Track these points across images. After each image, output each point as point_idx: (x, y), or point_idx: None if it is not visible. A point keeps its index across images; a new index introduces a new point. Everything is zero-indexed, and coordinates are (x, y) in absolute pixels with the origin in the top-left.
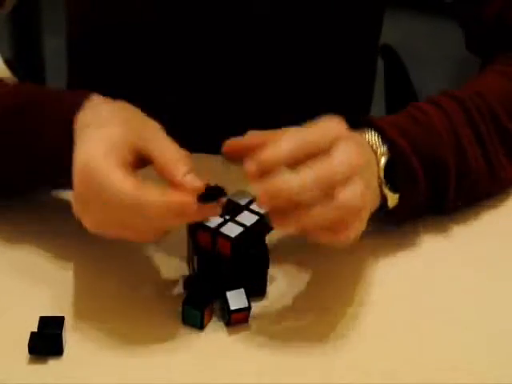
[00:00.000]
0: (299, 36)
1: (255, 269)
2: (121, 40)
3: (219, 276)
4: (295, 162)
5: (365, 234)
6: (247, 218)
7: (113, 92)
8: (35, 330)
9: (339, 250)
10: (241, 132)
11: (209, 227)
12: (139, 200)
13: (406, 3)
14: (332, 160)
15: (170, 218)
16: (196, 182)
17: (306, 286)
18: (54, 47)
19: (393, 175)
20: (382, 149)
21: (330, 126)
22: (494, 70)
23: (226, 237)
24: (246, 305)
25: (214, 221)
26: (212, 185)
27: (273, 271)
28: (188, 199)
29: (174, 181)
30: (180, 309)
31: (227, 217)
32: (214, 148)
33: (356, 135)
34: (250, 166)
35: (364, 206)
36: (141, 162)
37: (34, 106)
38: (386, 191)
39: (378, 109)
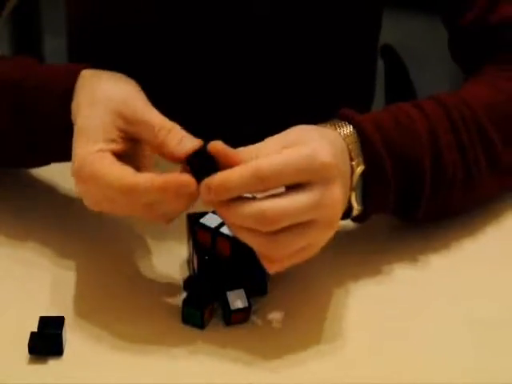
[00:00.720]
0: (299, 36)
1: (255, 268)
2: (121, 40)
3: (219, 276)
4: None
5: (365, 234)
6: None
7: None
8: (35, 329)
9: (339, 250)
10: (241, 131)
11: (209, 227)
12: (137, 186)
13: (405, 3)
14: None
15: (171, 199)
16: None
17: (306, 286)
18: (54, 47)
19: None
20: (361, 166)
21: (298, 156)
22: (483, 80)
23: (226, 237)
24: (246, 305)
25: (214, 221)
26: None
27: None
28: (185, 177)
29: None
30: (180, 309)
31: None
32: None
33: (336, 147)
34: (205, 194)
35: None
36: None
37: (31, 82)
38: (354, 202)
39: (378, 109)
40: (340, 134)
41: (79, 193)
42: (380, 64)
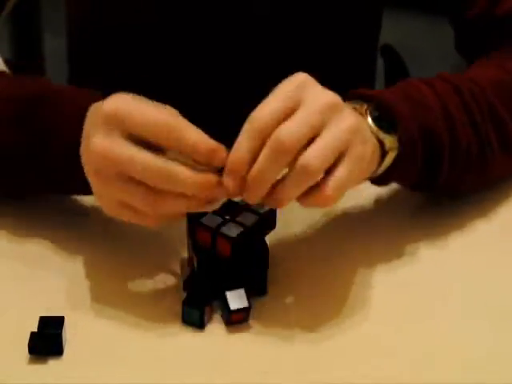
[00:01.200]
0: (299, 35)
1: (255, 268)
2: (121, 40)
3: (219, 276)
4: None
5: (361, 233)
6: (247, 218)
7: (113, 91)
8: (35, 329)
9: (338, 250)
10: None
11: (209, 227)
12: (169, 167)
13: (405, 3)
14: (291, 120)
15: (197, 188)
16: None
17: (306, 286)
18: (54, 47)
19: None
20: (366, 105)
21: (292, 80)
22: (488, 63)
23: (226, 237)
24: (246, 305)
25: (214, 221)
26: None
27: (273, 270)
28: (215, 178)
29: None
30: (180, 308)
31: (227, 217)
32: None
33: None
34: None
35: (346, 147)
36: None
37: (47, 100)
38: (382, 135)
39: None
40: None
41: (95, 191)
42: (380, 64)
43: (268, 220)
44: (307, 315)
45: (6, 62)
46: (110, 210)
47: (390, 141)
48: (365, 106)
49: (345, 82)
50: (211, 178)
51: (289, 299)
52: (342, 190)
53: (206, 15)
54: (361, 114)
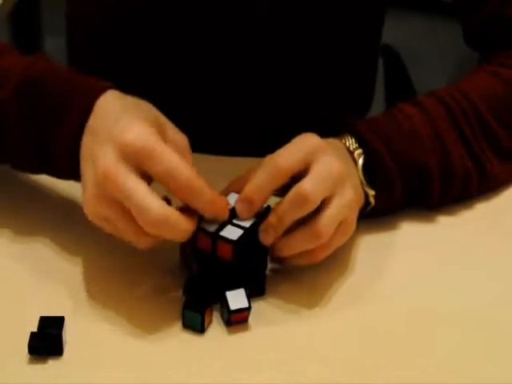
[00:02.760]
0: (300, 35)
1: (254, 268)
2: (121, 39)
3: (219, 279)
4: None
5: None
6: (245, 220)
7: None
8: (35, 329)
9: (337, 250)
10: (241, 131)
11: (208, 231)
12: (167, 218)
13: (405, 3)
14: (312, 178)
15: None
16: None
17: (306, 286)
18: (54, 47)
19: (371, 175)
20: (359, 150)
21: (303, 145)
22: (486, 70)
23: (227, 240)
24: (246, 305)
25: (213, 225)
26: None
27: (272, 271)
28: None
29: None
30: (180, 309)
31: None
32: (215, 148)
33: (332, 142)
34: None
35: (350, 218)
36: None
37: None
38: (367, 189)
39: (378, 109)
40: (347, 146)
41: (87, 206)
42: (380, 64)
43: (265, 219)
44: (306, 315)
45: None
46: (94, 218)
47: (371, 193)
48: (358, 152)
49: (345, 80)
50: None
51: (288, 299)
52: (329, 251)
53: (206, 14)
54: (354, 158)
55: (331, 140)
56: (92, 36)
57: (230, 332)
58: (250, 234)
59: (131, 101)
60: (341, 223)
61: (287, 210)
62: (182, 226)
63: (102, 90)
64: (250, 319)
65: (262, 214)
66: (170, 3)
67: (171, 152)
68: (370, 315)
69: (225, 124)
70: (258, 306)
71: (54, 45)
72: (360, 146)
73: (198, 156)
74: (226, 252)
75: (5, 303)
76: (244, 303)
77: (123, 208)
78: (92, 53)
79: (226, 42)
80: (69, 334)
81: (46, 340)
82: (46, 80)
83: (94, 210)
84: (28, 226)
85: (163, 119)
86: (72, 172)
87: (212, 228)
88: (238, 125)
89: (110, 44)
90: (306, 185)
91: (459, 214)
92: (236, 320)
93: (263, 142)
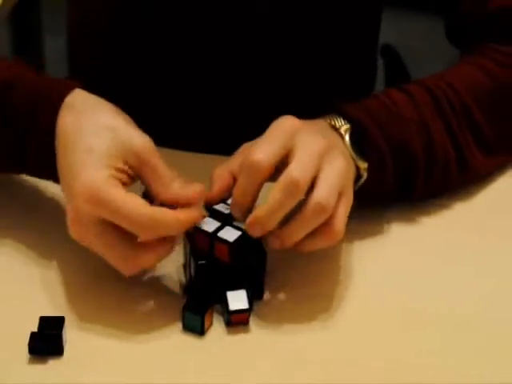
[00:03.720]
0: (299, 34)
1: (253, 272)
2: (121, 38)
3: (218, 280)
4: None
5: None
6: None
7: (113, 91)
8: (35, 329)
9: (337, 250)
10: (241, 131)
11: (206, 232)
12: (156, 219)
13: (405, 3)
14: (297, 162)
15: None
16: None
17: (306, 287)
18: (54, 47)
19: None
20: (346, 125)
21: (280, 130)
22: (469, 62)
23: (224, 241)
24: (246, 306)
25: (211, 225)
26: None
27: (272, 272)
28: (198, 213)
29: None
30: (180, 310)
31: (225, 221)
32: (214, 148)
33: (313, 122)
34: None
35: (343, 188)
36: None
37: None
38: (359, 162)
39: None
40: (332, 125)
41: (74, 215)
42: (380, 64)
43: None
44: (307, 317)
45: None
46: (78, 237)
47: (363, 166)
48: (344, 127)
49: (345, 78)
50: (196, 214)
51: (288, 300)
52: (345, 224)
53: (206, 13)
54: (339, 133)
55: (313, 120)
56: (91, 38)
57: (230, 334)
58: (248, 236)
59: (91, 109)
60: (341, 194)
61: (281, 201)
62: (168, 217)
63: (66, 93)
64: (250, 321)
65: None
66: (170, 2)
67: (118, 200)
68: (370, 316)
69: (225, 123)
70: (258, 307)
71: (54, 45)
72: (348, 123)
73: (198, 155)
74: (223, 253)
75: (5, 303)
76: (244, 304)
77: (111, 231)
78: (91, 54)
79: (226, 40)
80: (69, 334)
81: (46, 340)
82: (14, 87)
83: (79, 230)
84: (28, 226)
85: (120, 123)
86: (50, 175)
87: (210, 228)
88: (237, 124)
89: (110, 44)
90: (294, 172)
91: (450, 214)
92: (236, 321)
93: None
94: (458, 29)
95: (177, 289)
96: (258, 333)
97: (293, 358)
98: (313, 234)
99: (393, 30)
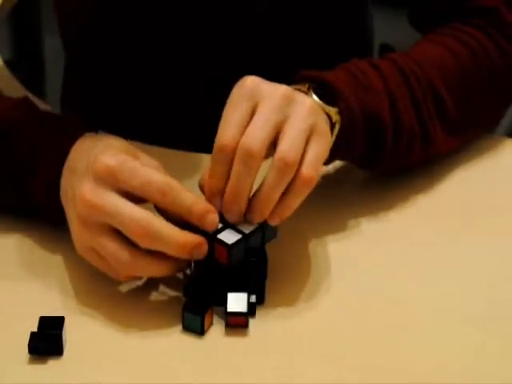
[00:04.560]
0: (299, 33)
1: (254, 277)
2: (121, 41)
3: (218, 282)
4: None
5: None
6: (247, 226)
7: (110, 92)
8: (35, 329)
9: (338, 251)
10: None
11: (206, 233)
12: (160, 231)
13: (406, 3)
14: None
15: (184, 252)
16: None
17: (306, 289)
18: (54, 47)
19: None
20: (310, 85)
21: (241, 86)
22: (433, 41)
23: (223, 243)
24: (245, 310)
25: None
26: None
27: (273, 273)
28: (202, 240)
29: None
30: (181, 307)
31: (227, 223)
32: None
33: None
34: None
35: (309, 127)
36: None
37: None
38: (327, 108)
39: None
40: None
41: (79, 222)
42: None
43: (268, 229)
44: (306, 317)
45: (6, 62)
46: (81, 251)
47: (334, 113)
48: (307, 85)
49: None
50: (196, 238)
51: (289, 302)
52: (317, 167)
53: (205, 13)
54: (304, 92)
55: None
56: (84, 38)
57: (230, 334)
58: (248, 240)
59: (104, 139)
60: (310, 134)
61: (275, 182)
62: (166, 232)
63: (75, 137)
64: (250, 321)
65: (266, 224)
66: (169, 2)
67: (143, 166)
68: (371, 318)
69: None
70: (258, 308)
71: (54, 45)
72: (312, 83)
73: (198, 155)
74: (221, 255)
75: (5, 303)
76: (243, 308)
77: (112, 236)
78: (85, 56)
79: (225, 40)
80: (69, 334)
81: (46, 340)
82: (17, 131)
83: (81, 243)
84: (28, 226)
85: (135, 149)
86: (57, 219)
87: (211, 230)
88: None
89: (110, 45)
90: (285, 146)
91: (442, 208)
92: (234, 323)
93: None
94: (421, 15)
95: (177, 289)
96: (258, 333)
97: (293, 358)
98: (285, 190)
99: (392, 30)
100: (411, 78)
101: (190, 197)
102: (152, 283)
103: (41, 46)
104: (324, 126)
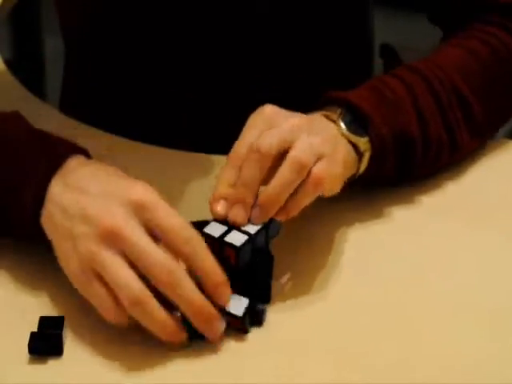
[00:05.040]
0: (299, 33)
1: (260, 276)
2: (121, 41)
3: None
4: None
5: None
6: (251, 226)
7: (110, 92)
8: (35, 329)
9: (343, 252)
10: (239, 130)
11: (213, 236)
12: (182, 280)
13: (406, 3)
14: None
15: (196, 318)
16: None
17: (307, 289)
18: (54, 47)
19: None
20: (338, 110)
21: (261, 112)
22: (453, 44)
23: (231, 246)
24: (239, 314)
25: (218, 229)
26: None
27: (276, 273)
28: (214, 311)
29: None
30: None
31: (230, 225)
32: (214, 148)
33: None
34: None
35: (321, 152)
36: None
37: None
38: (354, 139)
39: None
40: (326, 115)
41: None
42: (380, 64)
43: (271, 226)
44: (306, 317)
45: (6, 62)
46: (75, 271)
47: (363, 143)
48: (338, 112)
49: (343, 79)
50: (212, 310)
51: (290, 303)
52: (328, 172)
53: (205, 13)
54: (333, 120)
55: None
56: (84, 38)
57: (230, 334)
58: (255, 240)
59: (96, 165)
60: (320, 157)
61: (287, 180)
62: (187, 287)
63: (66, 157)
64: (252, 331)
65: (270, 222)
66: (169, 1)
67: (173, 210)
68: (373, 318)
69: (223, 123)
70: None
71: (54, 45)
72: (339, 108)
73: (197, 155)
74: (230, 258)
75: (5, 303)
76: (238, 311)
77: (123, 262)
78: (88, 53)
79: (225, 40)
80: (69, 334)
81: (46, 340)
82: (7, 143)
83: (80, 263)
84: None
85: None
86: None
87: (217, 233)
88: (236, 123)
89: (110, 46)
90: (296, 151)
91: (451, 204)
92: (232, 324)
93: None
94: (441, 12)
95: None
96: (258, 333)
97: (293, 358)
98: (295, 190)
99: (393, 30)
100: (435, 84)
101: (211, 261)
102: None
103: (41, 46)
104: (339, 156)
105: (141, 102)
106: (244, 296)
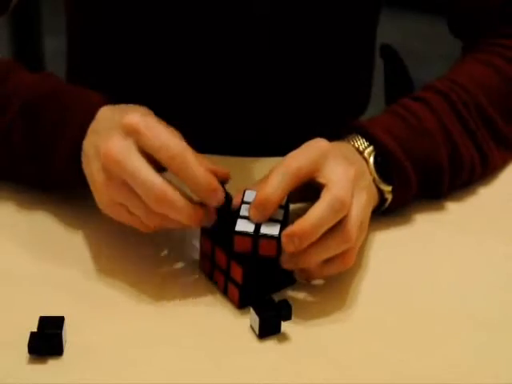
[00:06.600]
0: (299, 35)
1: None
2: (121, 42)
3: (267, 276)
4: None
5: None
6: (276, 213)
7: (111, 92)
8: (35, 329)
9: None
10: (241, 132)
11: (247, 233)
12: (168, 192)
13: (406, 3)
14: (336, 183)
15: (192, 221)
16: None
17: (308, 289)
18: (54, 47)
19: (384, 173)
20: (369, 148)
21: (313, 147)
22: (474, 58)
23: (270, 237)
24: (276, 233)
25: (248, 225)
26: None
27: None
28: (212, 214)
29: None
30: (181, 308)
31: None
32: (215, 148)
33: (340, 146)
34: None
35: (366, 218)
36: None
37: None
38: (382, 186)
39: (377, 108)
40: (357, 147)
41: (103, 176)
42: (380, 64)
43: (286, 203)
44: (306, 317)
45: None
46: (106, 208)
47: (388, 192)
48: (368, 150)
49: (343, 79)
50: (203, 212)
51: (295, 306)
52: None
53: (205, 15)
54: (364, 157)
55: (339, 142)
56: (91, 37)
57: (230, 334)
58: (285, 225)
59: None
60: (360, 223)
61: (325, 217)
62: (179, 203)
63: (100, 105)
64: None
65: (288, 205)
66: (169, 4)
67: (166, 130)
68: (374, 317)
69: (224, 124)
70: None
71: (54, 45)
72: (371, 145)
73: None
74: (269, 249)
75: (5, 303)
76: (274, 232)
77: (131, 188)
78: (92, 56)
79: (225, 43)
80: (69, 334)
81: (46, 340)
82: (47, 100)
83: (104, 197)
84: (28, 226)
85: (157, 118)
86: (72, 181)
87: (249, 228)
88: (236, 125)
89: (110, 46)
90: (340, 191)
91: (464, 212)
92: (265, 249)
93: (262, 142)
94: (460, 21)
95: (177, 289)
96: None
97: (293, 358)
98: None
99: (393, 30)
100: (460, 107)
101: (200, 171)
102: (152, 283)
103: (41, 46)
104: (368, 220)
105: (143, 103)
106: (273, 283)
